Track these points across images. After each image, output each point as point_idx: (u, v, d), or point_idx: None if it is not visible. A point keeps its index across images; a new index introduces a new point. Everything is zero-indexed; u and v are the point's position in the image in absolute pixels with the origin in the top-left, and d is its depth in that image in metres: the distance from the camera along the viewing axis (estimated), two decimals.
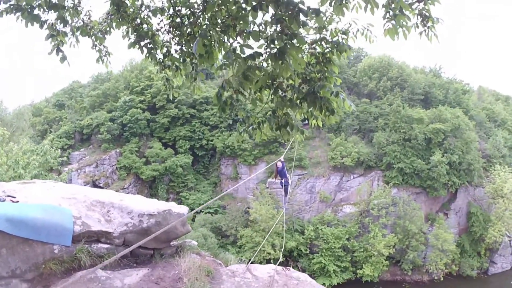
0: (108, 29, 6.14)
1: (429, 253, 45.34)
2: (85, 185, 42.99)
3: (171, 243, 6.51)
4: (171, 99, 10.06)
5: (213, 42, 4.83)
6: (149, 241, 5.94)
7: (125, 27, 5.96)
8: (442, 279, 45.53)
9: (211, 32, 4.65)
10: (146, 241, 3.26)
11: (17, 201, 5.93)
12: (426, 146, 48.57)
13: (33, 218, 5.28)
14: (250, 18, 4.08)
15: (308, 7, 3.66)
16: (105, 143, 51.80)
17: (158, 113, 54.49)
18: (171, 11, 5.58)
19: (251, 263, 6.56)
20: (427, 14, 4.65)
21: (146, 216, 6.08)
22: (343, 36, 4.80)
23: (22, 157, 17.57)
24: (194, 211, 5.08)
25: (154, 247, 6.15)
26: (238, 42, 4.43)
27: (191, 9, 5.31)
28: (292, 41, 3.79)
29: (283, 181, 11.40)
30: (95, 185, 46.46)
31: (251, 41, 4.23)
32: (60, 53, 5.84)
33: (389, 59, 58.64)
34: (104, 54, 6.51)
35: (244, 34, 4.25)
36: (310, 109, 4.91)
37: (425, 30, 4.80)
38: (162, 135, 54.63)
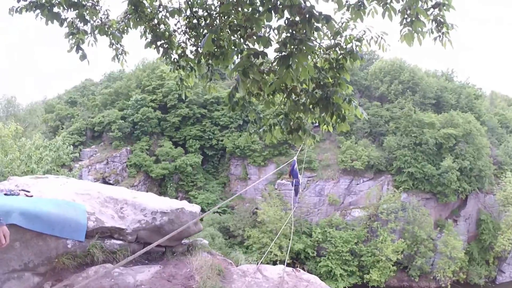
0: (125, 28, 6.22)
1: (437, 260, 44.84)
2: (95, 182, 43.41)
3: (183, 241, 6.58)
4: (184, 98, 10.15)
5: (226, 42, 4.86)
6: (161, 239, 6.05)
7: (142, 27, 6.03)
8: (449, 286, 45.04)
9: (222, 32, 4.69)
10: (164, 240, 3.32)
11: (31, 196, 6.02)
12: (437, 151, 48.16)
13: (47, 212, 5.35)
14: (264, 22, 4.11)
15: (320, 13, 3.68)
16: (116, 141, 52.27)
17: (169, 112, 54.81)
18: (188, 12, 5.64)
19: (259, 264, 6.60)
20: (442, 20, 4.66)
21: (159, 213, 6.16)
22: (357, 43, 4.81)
23: (35, 152, 17.83)
24: (210, 211, 5.13)
25: (166, 245, 6.21)
26: (247, 45, 4.47)
27: (208, 11, 5.37)
28: (301, 46, 3.81)
29: (294, 181, 11.39)
30: (105, 182, 46.84)
31: (261, 48, 4.25)
32: (80, 51, 5.94)
33: (400, 62, 58.25)
34: (120, 52, 6.59)
35: (254, 38, 4.27)
36: (322, 115, 4.93)
37: (439, 36, 4.80)
38: (173, 134, 54.95)
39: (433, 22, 4.73)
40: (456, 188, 46.58)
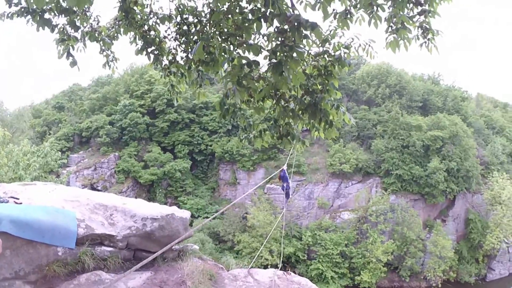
0: (115, 34, 6.23)
1: (427, 260, 45.38)
2: (83, 188, 42.94)
3: (173, 247, 6.56)
4: (175, 104, 10.16)
5: (216, 50, 4.91)
6: (153, 245, 6.05)
7: (132, 33, 6.05)
8: (440, 285, 45.55)
9: (213, 39, 4.74)
10: (165, 249, 3.33)
11: (21, 203, 5.97)
12: (424, 153, 48.73)
13: (37, 220, 5.31)
14: (254, 29, 4.17)
15: (306, 21, 3.76)
16: (104, 146, 51.84)
17: (157, 118, 54.59)
18: (179, 19, 5.68)
19: (250, 268, 6.63)
20: (428, 27, 4.78)
21: (150, 220, 6.15)
22: (345, 50, 4.90)
23: (23, 158, 17.60)
24: (205, 221, 5.16)
25: (157, 251, 6.21)
26: (238, 53, 4.53)
27: (198, 18, 5.42)
28: (292, 53, 3.89)
29: (284, 185, 11.65)
30: (93, 188, 46.37)
31: (251, 55, 4.32)
32: (71, 58, 5.92)
33: (388, 66, 58.89)
34: (111, 59, 6.60)
35: (245, 46, 4.34)
36: (311, 121, 5.02)
37: (425, 42, 4.92)
38: (161, 139, 54.70)
39: (419, 29, 4.85)
40: (444, 189, 47.19)
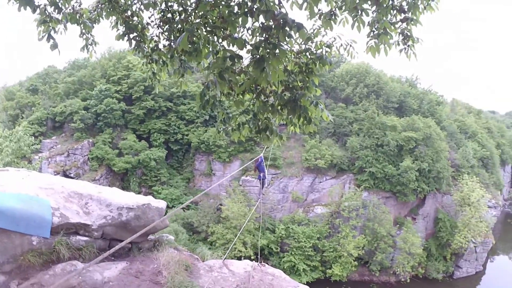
0: (97, 18, 6.08)
1: (397, 256, 46.59)
2: (55, 175, 41.95)
3: (149, 237, 6.54)
4: (156, 92, 10.06)
5: (201, 41, 4.88)
6: (128, 235, 6.00)
7: (114, 17, 5.92)
8: (408, 281, 46.95)
9: (198, 30, 4.71)
10: (135, 237, 3.32)
11: None
12: (397, 153, 49.76)
13: (11, 208, 5.19)
14: (239, 23, 4.18)
15: (293, 21, 3.79)
16: (78, 132, 50.67)
17: (134, 104, 53.64)
18: (163, 6, 5.60)
19: (225, 259, 6.67)
20: (409, 34, 4.90)
21: (125, 209, 6.09)
22: (327, 49, 4.96)
23: None
24: (178, 208, 5.13)
25: (132, 241, 6.15)
26: (222, 45, 4.53)
27: (184, 6, 5.35)
28: (274, 51, 3.92)
29: (261, 175, 11.87)
30: (65, 175, 45.38)
31: (235, 48, 4.34)
32: (51, 40, 5.73)
33: (367, 66, 59.61)
34: (90, 42, 6.44)
35: (230, 39, 4.34)
36: (289, 116, 5.07)
37: (405, 48, 5.03)
38: (137, 127, 53.87)
39: (400, 35, 4.95)
40: (415, 188, 48.39)
